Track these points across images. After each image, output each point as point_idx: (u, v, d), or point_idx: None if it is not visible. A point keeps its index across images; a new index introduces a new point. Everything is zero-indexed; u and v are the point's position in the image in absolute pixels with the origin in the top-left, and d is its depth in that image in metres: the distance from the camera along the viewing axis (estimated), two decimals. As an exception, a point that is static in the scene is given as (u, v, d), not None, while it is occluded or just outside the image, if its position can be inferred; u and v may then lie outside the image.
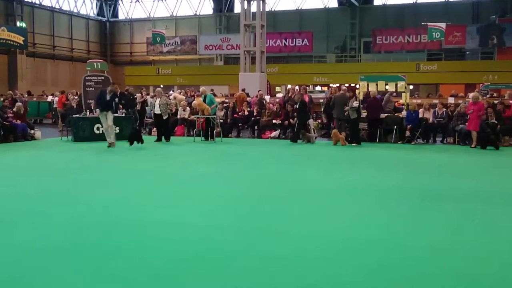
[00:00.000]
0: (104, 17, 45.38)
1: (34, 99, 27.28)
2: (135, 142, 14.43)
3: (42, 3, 39.55)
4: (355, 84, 28.58)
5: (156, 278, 4.17)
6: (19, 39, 34.63)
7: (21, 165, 11.18)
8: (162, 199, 7.37)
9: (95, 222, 6.03)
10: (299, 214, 6.52)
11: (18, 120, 16.52)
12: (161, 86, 37.42)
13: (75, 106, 18.39)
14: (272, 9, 39.81)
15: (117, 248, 4.99)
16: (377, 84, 17.80)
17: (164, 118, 16.15)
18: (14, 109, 16.94)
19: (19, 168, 10.78)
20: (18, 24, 35.36)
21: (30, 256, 4.74)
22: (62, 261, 4.60)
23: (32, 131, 17.05)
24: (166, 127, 16.48)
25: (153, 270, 4.35)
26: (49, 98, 26.37)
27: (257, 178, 9.43)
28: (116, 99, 14.98)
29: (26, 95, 27.15)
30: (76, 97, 20.17)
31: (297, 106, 16.28)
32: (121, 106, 17.86)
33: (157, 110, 16.18)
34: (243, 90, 23.24)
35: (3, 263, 4.53)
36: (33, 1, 38.53)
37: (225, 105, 19.55)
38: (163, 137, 16.27)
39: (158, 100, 16.26)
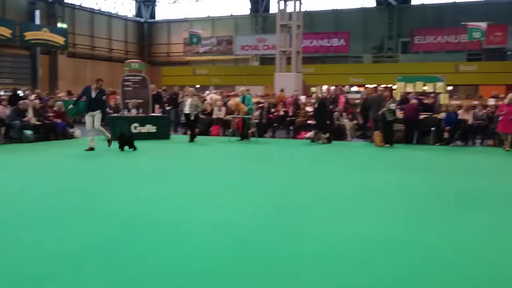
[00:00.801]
0: (142, 18, 46.06)
1: (74, 98, 27.86)
2: (126, 147, 13.30)
3: (83, 5, 40.42)
4: (392, 85, 28.25)
5: (203, 275, 4.21)
6: (60, 40, 35.47)
7: (59, 163, 11.44)
8: (199, 199, 7.42)
9: (141, 220, 6.12)
10: (335, 214, 6.47)
11: (58, 119, 16.93)
12: (197, 86, 37.82)
13: (113, 105, 18.72)
14: (308, 9, 39.63)
15: (161, 246, 5.05)
16: (415, 85, 17.51)
17: (191, 118, 16.09)
18: (55, 108, 17.37)
19: (58, 165, 11.04)
20: (59, 25, 36.21)
21: (72, 252, 4.85)
22: (112, 257, 4.69)
23: (71, 130, 17.46)
24: (193, 127, 16.38)
25: (197, 268, 4.39)
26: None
27: (293, 178, 9.39)
28: (104, 97, 13.67)
29: (67, 94, 27.82)
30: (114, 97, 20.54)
31: (316, 107, 16.25)
32: (158, 106, 18.12)
33: (187, 110, 16.16)
34: (282, 90, 23.18)
35: (57, 257, 4.64)
36: (74, 3, 39.40)
37: (260, 105, 19.58)
38: (195, 137, 16.20)
39: (189, 100, 16.24)
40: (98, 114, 13.11)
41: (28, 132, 15.54)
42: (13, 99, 18.70)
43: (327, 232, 5.58)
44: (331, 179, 9.30)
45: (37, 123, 16.11)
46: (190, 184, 8.62)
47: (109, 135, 13.69)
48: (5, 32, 31.21)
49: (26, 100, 17.02)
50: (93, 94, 13.12)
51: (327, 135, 16.04)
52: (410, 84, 17.47)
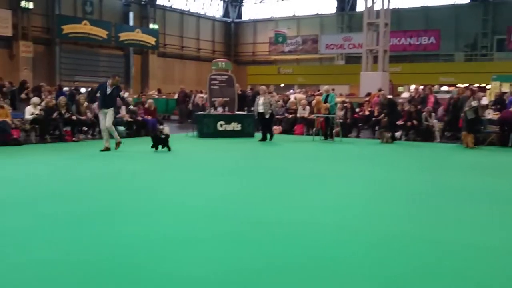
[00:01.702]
0: (229, 18, 46.94)
1: (164, 96, 28.94)
2: (159, 146, 12.67)
3: (173, 6, 41.84)
4: (486, 85, 26.88)
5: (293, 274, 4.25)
6: (152, 40, 36.99)
7: (150, 158, 11.93)
8: (279, 198, 7.46)
9: (226, 217, 6.27)
10: (414, 216, 6.28)
11: (149, 116, 17.66)
12: (282, 85, 38.01)
13: (200, 104, 19.23)
14: (397, 7, 38.59)
15: (255, 244, 5.15)
16: (511, 85, 16.56)
17: (267, 117, 15.86)
18: (146, 106, 18.13)
19: (148, 161, 11.52)
20: (151, 26, 37.73)
21: (164, 243, 5.06)
22: (208, 250, 4.85)
23: (161, 127, 18.13)
24: (269, 126, 16.14)
25: (289, 266, 4.43)
26: (176, 96, 27.84)
27: (378, 178, 9.20)
28: (121, 94, 13.23)
29: (157, 92, 28.95)
30: (201, 95, 21.11)
31: (385, 106, 15.96)
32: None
33: (261, 109, 15.95)
34: (380, 90, 22.64)
35: (144, 249, 4.87)
36: (165, 4, 40.89)
37: (344, 104, 19.33)
38: (267, 136, 15.88)
39: (262, 98, 16.07)
40: (110, 112, 12.51)
41: (121, 128, 16.32)
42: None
43: (412, 235, 5.42)
44: (415, 181, 9.00)
45: (129, 119, 16.90)
46: (267, 183, 8.68)
47: (119, 138, 12.81)
48: (102, 33, 33.02)
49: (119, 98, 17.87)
50: (108, 90, 12.51)
51: (390, 134, 15.76)
52: (506, 83, 16.51)
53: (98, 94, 12.91)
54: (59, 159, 11.47)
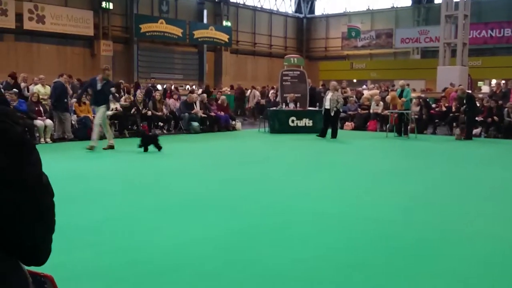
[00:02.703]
0: (302, 13, 46.74)
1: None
2: (149, 146, 11.51)
3: (246, 3, 42.21)
4: None
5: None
6: (225, 37, 37.51)
7: (222, 152, 12.14)
8: (347, 193, 7.38)
9: (299, 211, 6.30)
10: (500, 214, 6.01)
11: (222, 112, 17.96)
12: (354, 80, 37.43)
13: (272, 100, 19.32)
14: (477, -2, 36.92)
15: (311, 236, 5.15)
16: None
17: (332, 114, 15.16)
18: (219, 102, 18.45)
19: (221, 154, 11.73)
20: (224, 23, 38.25)
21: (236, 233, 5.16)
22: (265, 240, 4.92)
23: (233, 122, 18.43)
24: (334, 123, 15.53)
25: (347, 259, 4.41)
26: (248, 92, 28.10)
27: (439, 176, 8.89)
28: (112, 89, 12.32)
29: (230, 89, 29.34)
30: (273, 91, 21.20)
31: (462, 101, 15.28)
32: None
33: (327, 105, 15.31)
34: (451, 84, 21.85)
35: (226, 236, 5.00)
36: (238, 2, 41.32)
37: (420, 100, 18.76)
38: (327, 133, 15.33)
39: (330, 94, 15.39)
40: (102, 109, 11.66)
41: (195, 124, 16.72)
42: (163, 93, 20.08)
43: (487, 233, 5.19)
44: (489, 179, 8.60)
45: (203, 115, 17.27)
46: (335, 179, 8.60)
47: (112, 140, 11.96)
48: (177, 31, 33.88)
49: (193, 94, 18.32)
50: (99, 86, 11.65)
51: (458, 130, 15.36)
52: None
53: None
54: (137, 154, 11.92)
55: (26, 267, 1.18)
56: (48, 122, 13.49)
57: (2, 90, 14.30)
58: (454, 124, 17.01)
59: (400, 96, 16.24)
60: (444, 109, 17.95)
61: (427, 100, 18.82)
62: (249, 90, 25.31)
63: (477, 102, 16.77)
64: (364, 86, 28.86)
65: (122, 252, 4.58)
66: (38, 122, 13.19)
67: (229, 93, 26.78)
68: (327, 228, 5.45)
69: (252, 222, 5.67)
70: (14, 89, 14.43)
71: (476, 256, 4.59)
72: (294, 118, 16.99)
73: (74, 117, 14.43)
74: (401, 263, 4.38)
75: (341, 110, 15.65)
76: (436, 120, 17.88)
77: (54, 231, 1.17)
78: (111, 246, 4.76)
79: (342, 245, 4.88)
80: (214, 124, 17.61)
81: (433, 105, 18.71)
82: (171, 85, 22.55)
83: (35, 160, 1.09)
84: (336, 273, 4.13)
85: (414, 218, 5.95)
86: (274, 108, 17.98)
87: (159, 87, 24.03)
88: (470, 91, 20.27)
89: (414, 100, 18.44)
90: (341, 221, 5.77)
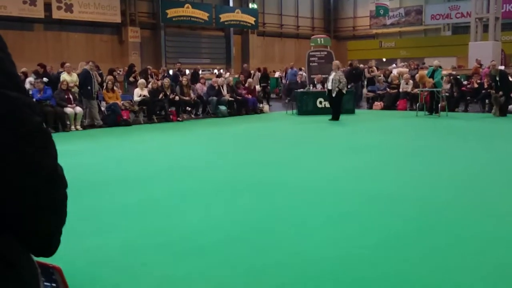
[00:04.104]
0: (329, -7, 46.10)
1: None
2: None
3: (272, -16, 41.82)
4: None
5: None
6: (251, 20, 37.30)
7: (253, 135, 12.15)
8: (398, 173, 7.30)
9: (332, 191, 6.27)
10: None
11: (249, 95, 17.93)
12: (384, 59, 36.84)
13: (299, 81, 19.17)
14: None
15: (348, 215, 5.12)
16: None
17: (333, 94, 14.50)
18: (246, 85, 18.41)
19: (252, 137, 11.74)
20: (250, 6, 38.02)
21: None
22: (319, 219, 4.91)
23: (261, 105, 18.38)
24: (336, 105, 14.72)
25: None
26: (277, 74, 27.97)
27: (474, 155, 8.69)
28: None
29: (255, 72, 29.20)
30: (300, 73, 21.03)
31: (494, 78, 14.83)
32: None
33: (329, 86, 14.73)
34: (477, 61, 21.34)
35: (252, 221, 5.02)
36: (263, -17, 40.95)
37: (451, 77, 18.36)
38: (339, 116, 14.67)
39: (332, 74, 14.71)
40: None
41: (223, 108, 16.73)
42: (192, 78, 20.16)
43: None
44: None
45: (230, 99, 17.26)
46: (377, 160, 8.50)
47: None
48: (203, 15, 33.84)
49: (220, 78, 18.32)
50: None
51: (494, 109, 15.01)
52: None
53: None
54: (167, 137, 12.03)
55: (35, 258, 1.20)
56: (78, 109, 13.70)
57: (33, 78, 14.61)
58: (487, 101, 16.61)
59: (431, 76, 15.89)
60: (476, 85, 17.51)
61: (458, 77, 18.39)
62: (252, 72, 24.35)
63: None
64: (394, 65, 28.37)
65: (157, 233, 4.67)
66: (68, 110, 13.40)
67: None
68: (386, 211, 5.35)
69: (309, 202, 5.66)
70: (44, 78, 14.70)
71: None
72: (322, 99, 16.81)
73: (103, 104, 14.63)
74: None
75: (344, 90, 14.74)
76: (468, 98, 17.48)
77: (65, 223, 1.18)
78: (146, 227, 4.85)
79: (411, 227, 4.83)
80: (242, 107, 17.59)
81: (465, 82, 18.27)
82: (199, 70, 22.56)
83: (52, 150, 1.10)
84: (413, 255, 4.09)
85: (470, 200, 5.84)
86: (302, 89, 17.83)
87: (187, 72, 24.10)
88: (503, 67, 19.74)
89: (444, 78, 18.07)
90: (398, 203, 5.67)
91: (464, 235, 4.51)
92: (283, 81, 24.62)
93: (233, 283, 3.58)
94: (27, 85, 14.38)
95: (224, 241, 4.42)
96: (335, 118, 14.64)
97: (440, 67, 16.54)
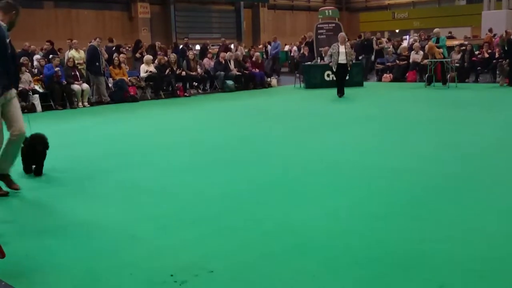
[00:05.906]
0: (340, -36, 45.29)
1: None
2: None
3: (282, -44, 41.16)
4: None
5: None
6: (262, -7, 36.89)
7: (263, 108, 12.16)
8: (394, 146, 7.30)
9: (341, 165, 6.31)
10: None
11: (256, 69, 17.85)
12: (397, 31, 36.29)
13: (306, 54, 19.02)
14: None
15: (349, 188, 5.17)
16: None
17: (349, 68, 14.07)
18: (253, 59, 18.32)
19: (262, 111, 11.75)
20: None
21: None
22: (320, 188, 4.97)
23: (268, 79, 18.30)
24: (343, 79, 14.13)
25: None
26: (286, 48, 27.76)
27: (478, 127, 8.62)
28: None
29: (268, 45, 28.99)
30: (294, 48, 20.84)
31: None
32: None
33: (342, 59, 13.86)
34: (490, 30, 20.90)
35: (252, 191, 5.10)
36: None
37: (462, 47, 18.07)
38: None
39: (342, 47, 13.88)
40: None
41: (230, 82, 16.70)
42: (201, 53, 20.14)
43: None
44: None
45: (238, 73, 17.21)
46: (387, 132, 8.50)
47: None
48: (213, -11, 33.53)
49: (228, 53, 18.24)
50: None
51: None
52: None
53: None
54: (173, 112, 12.10)
55: None
56: (85, 86, 13.78)
57: (40, 55, 14.73)
58: (498, 71, 16.34)
59: (436, 44, 15.67)
60: (486, 55, 17.23)
61: (469, 47, 18.06)
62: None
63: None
64: (406, 37, 27.92)
65: (176, 201, 4.93)
66: (75, 87, 13.50)
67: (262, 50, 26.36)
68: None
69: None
70: (51, 55, 14.80)
71: None
72: (329, 72, 16.66)
73: (110, 80, 14.71)
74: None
75: (333, 67, 14.13)
76: (479, 68, 17.22)
77: None
78: (139, 202, 4.96)
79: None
80: (249, 81, 17.53)
81: (476, 52, 17.98)
82: (208, 45, 22.46)
83: None
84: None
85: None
86: (309, 62, 17.70)
87: (197, 47, 24.01)
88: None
89: (455, 48, 17.80)
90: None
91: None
92: (292, 54, 24.47)
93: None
94: (34, 62, 14.52)
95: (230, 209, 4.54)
96: (343, 92, 14.07)
97: (450, 32, 16.29)
